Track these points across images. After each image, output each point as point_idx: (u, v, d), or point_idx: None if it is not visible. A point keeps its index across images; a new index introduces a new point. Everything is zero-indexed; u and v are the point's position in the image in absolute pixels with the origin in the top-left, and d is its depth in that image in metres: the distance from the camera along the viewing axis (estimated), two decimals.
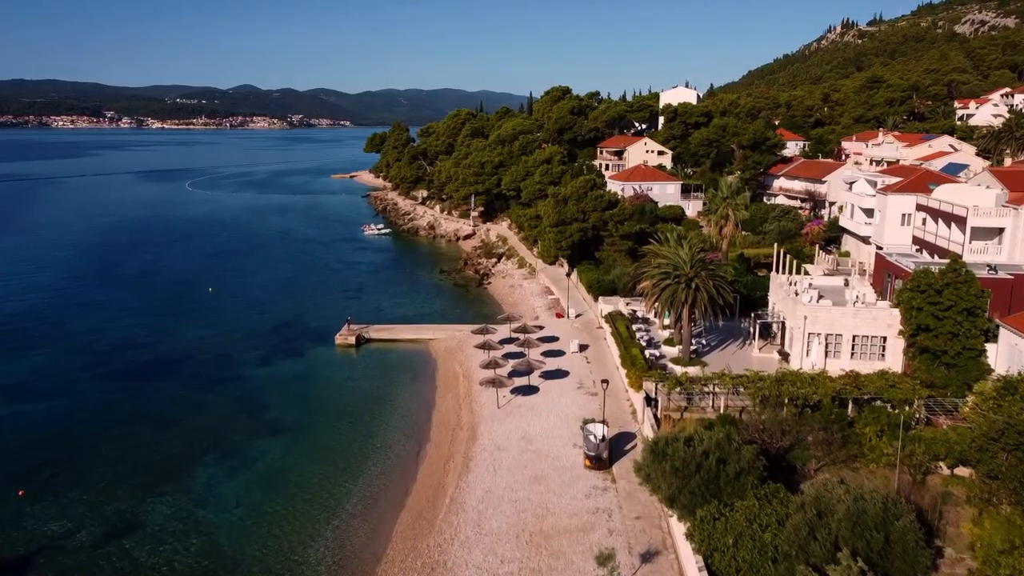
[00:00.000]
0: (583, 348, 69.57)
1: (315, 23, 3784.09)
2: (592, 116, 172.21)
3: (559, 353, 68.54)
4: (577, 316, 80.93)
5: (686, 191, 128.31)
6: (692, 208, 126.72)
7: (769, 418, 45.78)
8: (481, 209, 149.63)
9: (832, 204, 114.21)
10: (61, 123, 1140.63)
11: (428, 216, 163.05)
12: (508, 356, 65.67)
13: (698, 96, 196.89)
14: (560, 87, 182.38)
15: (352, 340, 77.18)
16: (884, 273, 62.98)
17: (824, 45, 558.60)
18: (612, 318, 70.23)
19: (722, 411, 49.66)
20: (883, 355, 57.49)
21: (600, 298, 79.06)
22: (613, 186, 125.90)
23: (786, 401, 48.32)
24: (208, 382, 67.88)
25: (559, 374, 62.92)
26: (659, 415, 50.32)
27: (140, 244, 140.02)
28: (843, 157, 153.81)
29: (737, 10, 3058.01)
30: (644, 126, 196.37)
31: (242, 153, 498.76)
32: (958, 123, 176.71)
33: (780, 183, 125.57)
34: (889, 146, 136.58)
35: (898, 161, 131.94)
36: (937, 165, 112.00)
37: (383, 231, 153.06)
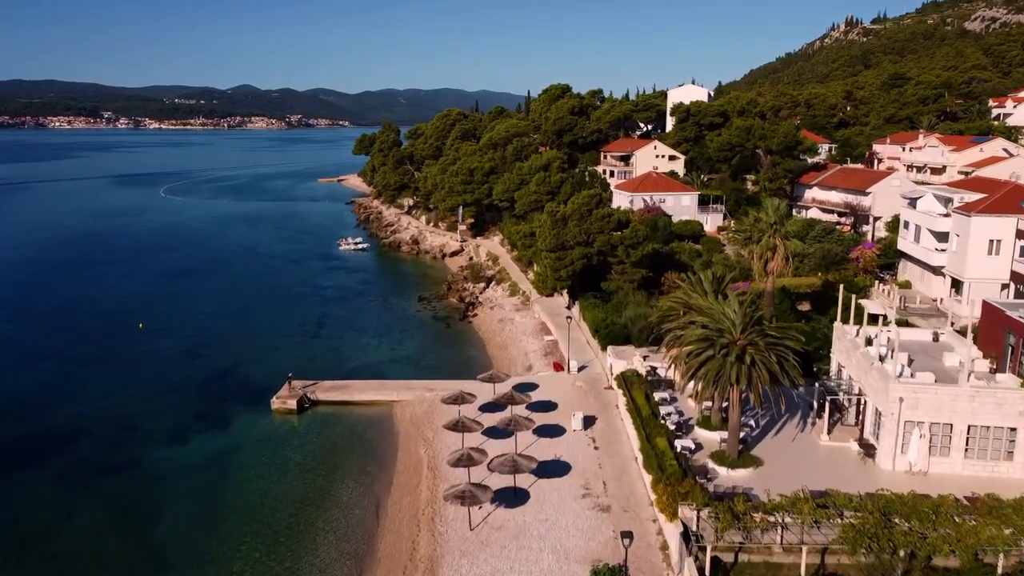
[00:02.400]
0: (589, 423, 52.90)
1: (314, 23, 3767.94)
2: (595, 116, 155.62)
3: (557, 431, 51.89)
4: (580, 369, 64.26)
5: (704, 203, 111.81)
6: (711, 223, 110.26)
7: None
8: (471, 221, 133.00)
9: (876, 220, 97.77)
10: (58, 124, 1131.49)
11: (412, 228, 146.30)
12: (491, 433, 49.43)
13: (709, 94, 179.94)
14: (559, 85, 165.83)
15: (293, 404, 60.50)
16: (1001, 331, 46.24)
17: (828, 43, 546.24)
18: (627, 381, 53.69)
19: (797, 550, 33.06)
20: (1011, 454, 40.95)
21: (609, 348, 62.41)
22: (620, 198, 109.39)
23: (902, 554, 31.81)
24: (93, 473, 51.31)
25: (557, 468, 46.15)
26: (705, 562, 33.81)
27: (81, 263, 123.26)
28: (876, 162, 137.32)
29: (736, 8, 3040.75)
30: (650, 127, 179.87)
31: (232, 155, 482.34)
32: (994, 123, 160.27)
33: (813, 194, 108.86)
34: (933, 150, 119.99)
35: (944, 168, 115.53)
36: (1000, 172, 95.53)
37: (360, 246, 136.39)
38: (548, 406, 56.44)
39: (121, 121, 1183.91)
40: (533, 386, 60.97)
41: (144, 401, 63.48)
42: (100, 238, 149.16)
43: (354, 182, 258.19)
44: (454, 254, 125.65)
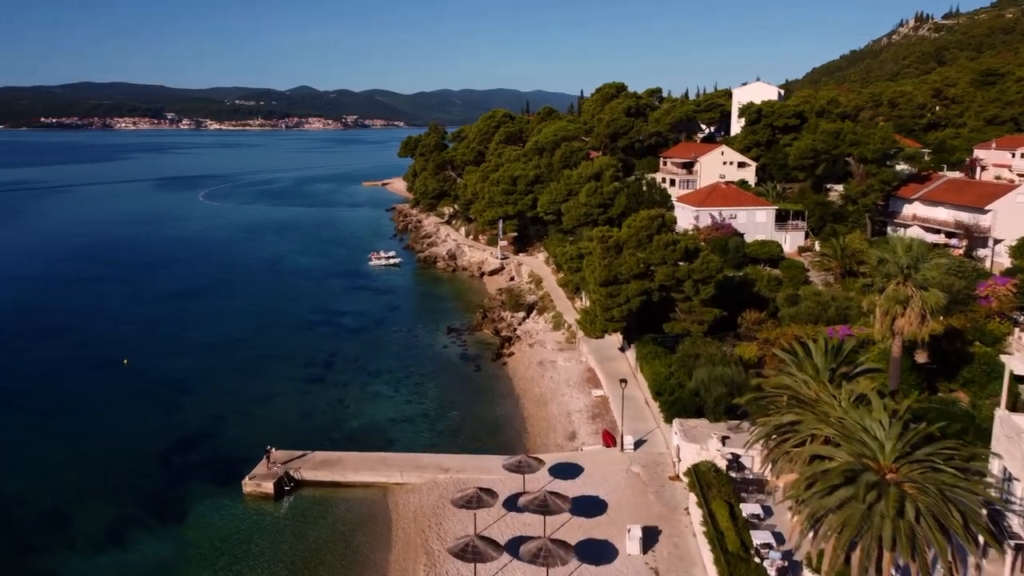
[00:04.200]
0: (649, 539, 38.63)
1: (371, 24, 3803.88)
2: (653, 118, 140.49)
3: (605, 553, 37.86)
4: (637, 444, 49.89)
5: (781, 219, 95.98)
6: (790, 242, 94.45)
7: None
8: (513, 235, 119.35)
9: (998, 243, 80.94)
10: (124, 124, 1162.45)
11: (450, 241, 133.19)
12: (513, 551, 35.96)
13: (779, 93, 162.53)
14: (613, 83, 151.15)
15: (269, 486, 47.55)
16: None
17: (896, 40, 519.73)
18: (701, 480, 39.45)
19: None
20: None
21: (676, 422, 47.91)
22: (683, 213, 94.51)
23: None
24: None
25: None
26: None
27: (87, 279, 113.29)
28: (978, 170, 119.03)
29: (798, 5, 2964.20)
30: (712, 129, 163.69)
31: (281, 156, 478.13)
32: None
33: (914, 210, 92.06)
34: None
35: None
36: None
37: (393, 261, 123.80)
38: (594, 506, 42.43)
39: (183, 122, 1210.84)
40: (575, 469, 47.01)
41: (91, 475, 51.31)
42: (118, 249, 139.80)
43: (398, 186, 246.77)
44: (493, 272, 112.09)
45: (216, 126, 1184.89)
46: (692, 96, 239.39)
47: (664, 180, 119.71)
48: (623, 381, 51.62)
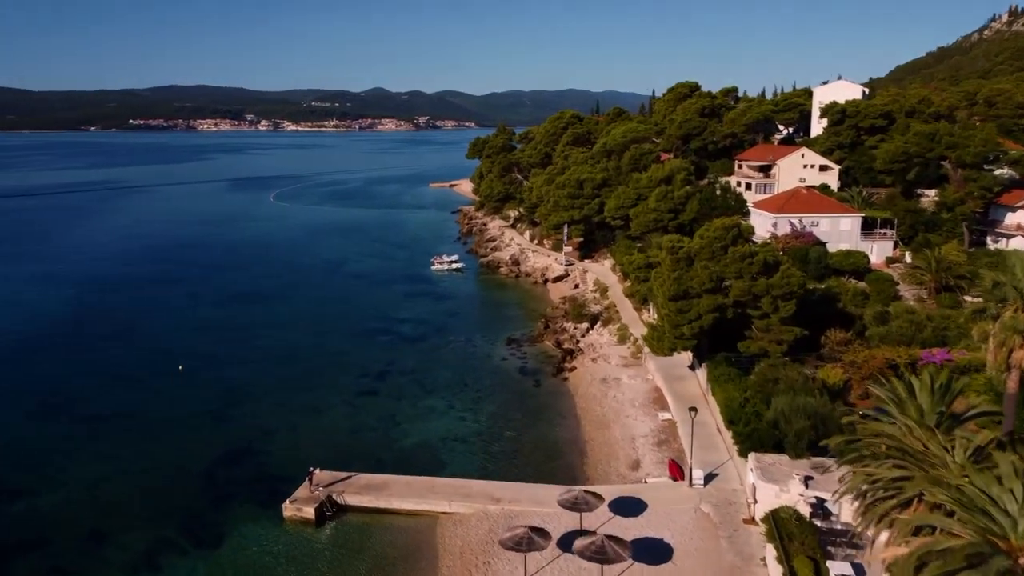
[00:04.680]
0: None
1: (443, 26, 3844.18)
2: (728, 118, 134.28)
3: None
4: (708, 479, 45.30)
5: (867, 227, 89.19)
6: (877, 252, 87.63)
7: None
8: (579, 240, 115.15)
9: None
10: (205, 126, 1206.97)
11: (514, 246, 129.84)
12: None
13: (864, 92, 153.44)
14: (687, 83, 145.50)
15: (311, 511, 44.81)
16: None
17: (988, 36, 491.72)
18: (782, 530, 34.83)
19: None
20: None
21: (752, 456, 43.15)
22: (759, 220, 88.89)
23: None
24: None
25: None
26: None
27: (152, 281, 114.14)
28: None
29: (883, 3, 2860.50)
30: (791, 130, 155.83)
31: (352, 157, 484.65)
32: None
33: (1019, 219, 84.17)
34: None
35: None
36: None
37: (455, 266, 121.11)
38: (658, 551, 38.20)
39: (262, 123, 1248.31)
40: (638, 505, 42.83)
41: (133, 490, 49.64)
42: (186, 250, 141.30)
43: (465, 188, 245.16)
44: (557, 279, 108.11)
45: (293, 127, 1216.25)
46: (769, 96, 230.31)
47: (739, 184, 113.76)
48: (693, 410, 46.96)
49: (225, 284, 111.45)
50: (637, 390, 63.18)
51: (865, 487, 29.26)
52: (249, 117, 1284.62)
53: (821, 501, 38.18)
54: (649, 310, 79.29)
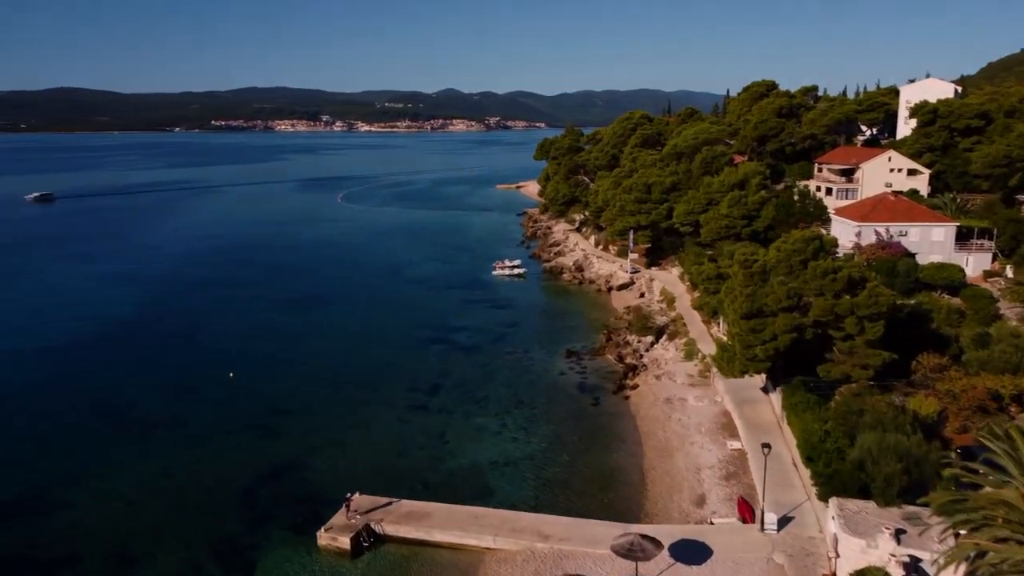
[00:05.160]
0: None
1: (515, 27, 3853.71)
2: (807, 119, 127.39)
3: None
4: (782, 523, 40.54)
5: (962, 237, 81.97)
6: (973, 265, 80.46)
7: None
8: (646, 247, 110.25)
9: None
10: (283, 127, 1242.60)
11: (578, 251, 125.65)
12: None
13: (956, 91, 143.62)
14: (763, 81, 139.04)
15: (347, 541, 41.87)
16: None
17: None
18: None
19: None
20: None
21: (833, 501, 38.22)
22: (841, 228, 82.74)
23: None
24: None
25: None
26: None
27: (214, 283, 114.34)
28: None
29: None
30: (875, 131, 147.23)
31: (421, 158, 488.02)
32: None
33: None
34: None
35: None
36: None
37: (517, 271, 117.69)
38: None
39: (337, 124, 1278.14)
40: (702, 551, 38.48)
41: (169, 507, 47.71)
42: (250, 251, 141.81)
43: (532, 190, 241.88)
44: (622, 287, 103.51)
45: (366, 128, 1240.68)
46: (851, 95, 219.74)
47: (818, 189, 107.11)
48: (766, 447, 42.10)
49: (285, 287, 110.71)
50: (704, 413, 58.45)
51: (976, 559, 24.47)
52: (325, 118, 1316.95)
53: (916, 561, 33.16)
54: (719, 324, 74.21)
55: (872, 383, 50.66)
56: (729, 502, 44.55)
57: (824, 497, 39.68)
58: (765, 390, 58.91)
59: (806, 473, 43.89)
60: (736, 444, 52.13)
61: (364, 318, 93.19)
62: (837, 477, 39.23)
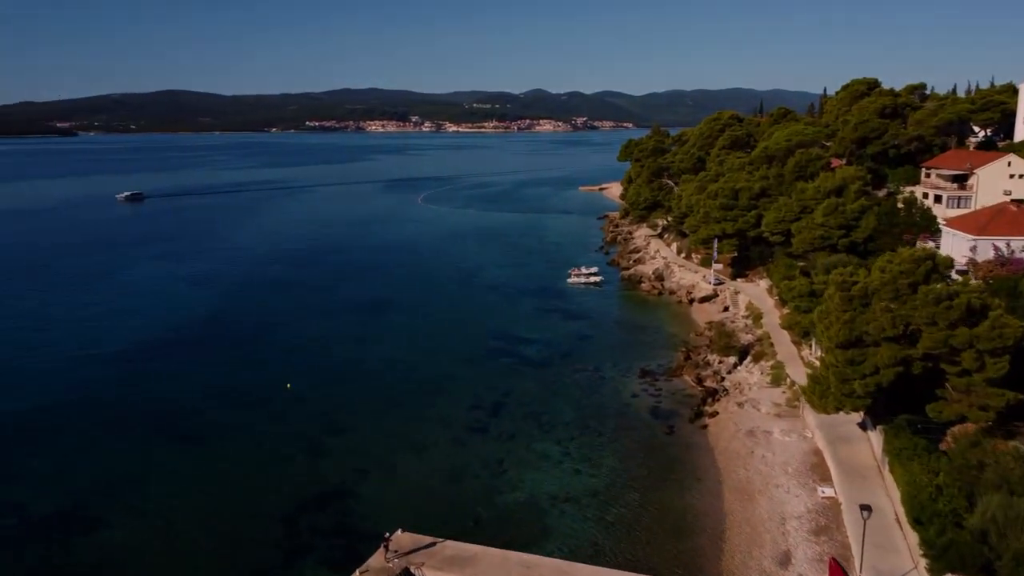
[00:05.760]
0: None
1: (603, 26, 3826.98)
2: (913, 119, 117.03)
3: None
4: None
5: None
6: None
7: None
8: (732, 256, 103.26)
9: None
10: (373, 127, 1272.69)
11: (659, 259, 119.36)
12: None
13: None
14: (864, 79, 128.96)
15: None
16: None
17: None
18: None
19: None
20: None
21: None
22: (953, 242, 74.36)
23: None
24: None
25: None
26: None
27: (287, 285, 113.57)
28: None
29: None
30: (989, 132, 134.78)
31: (506, 158, 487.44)
32: None
33: None
34: None
35: None
36: None
37: (594, 279, 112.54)
38: None
39: (425, 125, 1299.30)
40: None
41: (206, 531, 45.10)
42: (326, 253, 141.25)
43: (615, 192, 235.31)
44: (704, 300, 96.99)
45: (454, 128, 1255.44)
46: (960, 92, 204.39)
47: (926, 196, 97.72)
48: (866, 509, 35.91)
49: (356, 290, 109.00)
50: (792, 450, 52.21)
51: None
52: (414, 118, 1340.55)
53: None
54: (811, 347, 67.45)
55: (992, 427, 43.66)
56: (819, 565, 38.60)
57: (937, 573, 33.37)
58: (863, 426, 52.22)
59: (912, 535, 37.53)
60: (828, 491, 45.86)
61: (431, 326, 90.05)
62: (954, 550, 32.87)
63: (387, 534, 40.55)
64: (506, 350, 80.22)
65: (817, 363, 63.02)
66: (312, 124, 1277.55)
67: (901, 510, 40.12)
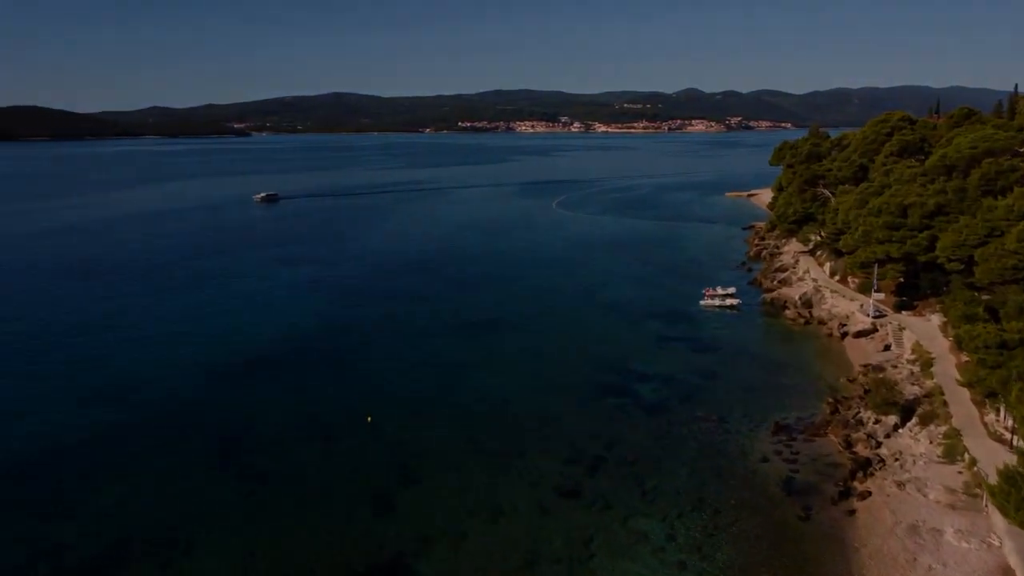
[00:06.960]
0: None
1: (757, 24, 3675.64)
2: None
3: None
4: None
5: None
6: None
7: None
8: (899, 282, 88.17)
9: None
10: (523, 127, 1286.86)
11: (808, 281, 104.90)
12: None
13: None
14: None
15: None
16: None
17: None
18: None
19: None
20: None
21: None
22: None
23: None
24: None
25: None
26: None
27: (403, 295, 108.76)
28: None
29: None
30: None
31: (652, 160, 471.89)
32: None
33: None
34: None
35: None
36: None
37: (730, 301, 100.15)
38: None
39: (575, 125, 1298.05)
40: None
41: None
42: (448, 262, 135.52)
43: (764, 198, 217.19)
44: (861, 334, 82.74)
45: (603, 128, 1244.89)
46: None
47: None
48: None
49: (466, 304, 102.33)
50: (970, 563, 39.69)
51: None
52: (563, 119, 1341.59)
53: None
54: (999, 412, 53.55)
55: None
56: None
57: None
58: None
59: None
60: None
61: (538, 351, 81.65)
62: None
63: None
64: (618, 387, 70.47)
65: (1007, 435, 49.54)
66: (464, 125, 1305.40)
67: None
